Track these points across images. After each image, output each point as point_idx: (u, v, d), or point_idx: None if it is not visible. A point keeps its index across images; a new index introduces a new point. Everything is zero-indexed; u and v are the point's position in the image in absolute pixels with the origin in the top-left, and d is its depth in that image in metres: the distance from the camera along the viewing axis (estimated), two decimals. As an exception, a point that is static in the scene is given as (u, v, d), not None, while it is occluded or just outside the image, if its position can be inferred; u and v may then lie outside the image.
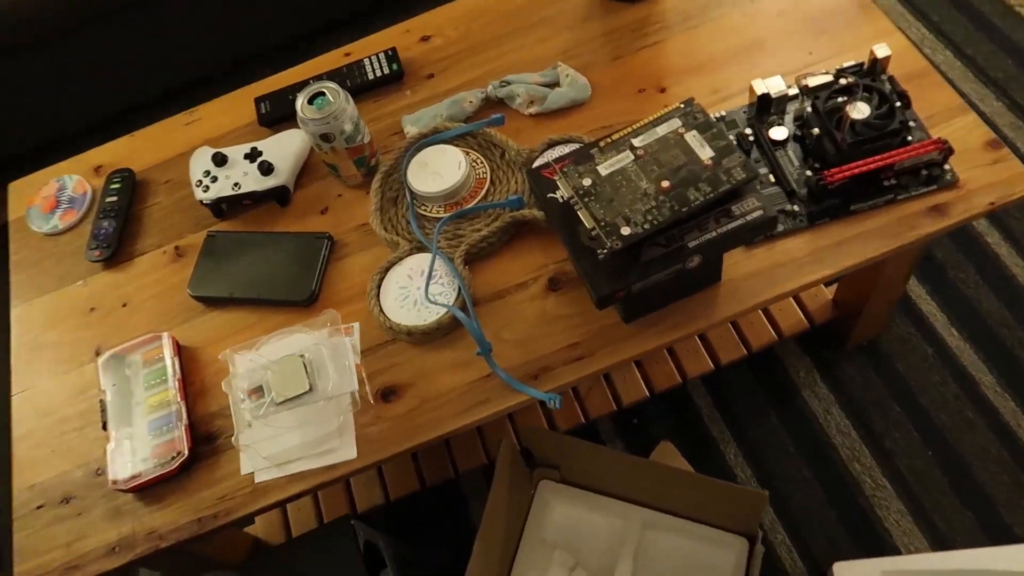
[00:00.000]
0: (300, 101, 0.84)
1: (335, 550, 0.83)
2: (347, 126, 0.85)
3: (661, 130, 0.71)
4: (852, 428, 1.08)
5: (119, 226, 0.94)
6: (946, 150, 0.77)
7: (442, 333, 0.80)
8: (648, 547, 0.97)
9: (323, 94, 0.85)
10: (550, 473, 1.02)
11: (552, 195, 0.73)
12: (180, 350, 0.85)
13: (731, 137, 0.82)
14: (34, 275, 0.96)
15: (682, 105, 0.72)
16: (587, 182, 0.70)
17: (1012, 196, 0.77)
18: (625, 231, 0.67)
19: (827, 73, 0.85)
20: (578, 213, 0.69)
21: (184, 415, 0.79)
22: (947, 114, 0.83)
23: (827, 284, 1.12)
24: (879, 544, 1.01)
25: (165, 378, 0.82)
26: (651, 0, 0.98)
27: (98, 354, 0.87)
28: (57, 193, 1.00)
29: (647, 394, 1.10)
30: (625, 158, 0.70)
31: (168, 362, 0.83)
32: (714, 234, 0.68)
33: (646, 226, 0.67)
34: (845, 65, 0.85)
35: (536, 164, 0.86)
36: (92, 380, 0.85)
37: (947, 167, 0.79)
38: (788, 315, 1.11)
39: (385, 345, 0.82)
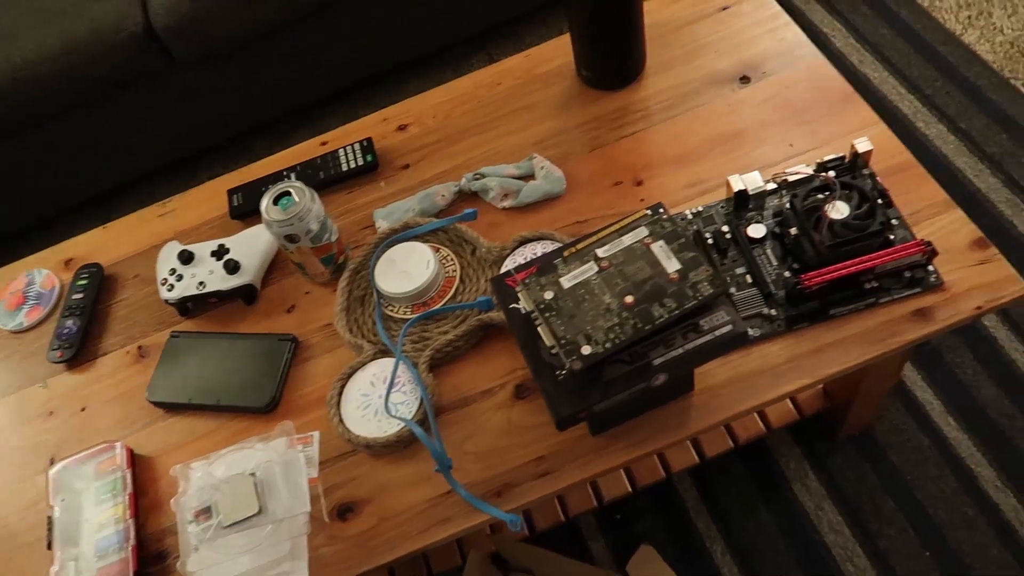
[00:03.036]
0: (265, 202, 0.82)
1: None
2: (313, 225, 0.83)
3: (627, 239, 0.68)
4: (845, 525, 1.03)
5: (83, 325, 0.92)
6: (929, 252, 0.74)
7: (403, 445, 0.77)
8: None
9: (288, 194, 0.83)
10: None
11: (515, 305, 0.70)
12: (134, 460, 0.82)
13: (706, 238, 0.80)
14: (-4, 374, 0.93)
15: (649, 212, 0.70)
16: (548, 295, 0.67)
17: (1000, 300, 0.73)
18: (586, 350, 0.63)
19: (808, 167, 0.82)
20: (538, 329, 0.66)
21: (132, 535, 0.76)
22: (931, 210, 0.80)
23: (818, 372, 1.08)
24: (878, 654, 0.95)
25: (116, 492, 0.78)
26: (632, 88, 0.96)
27: (52, 463, 0.84)
28: (25, 288, 0.98)
29: (629, 490, 1.05)
30: (589, 270, 0.67)
31: (120, 475, 0.79)
32: (681, 351, 0.65)
33: (607, 345, 0.63)
34: (826, 158, 0.82)
35: (502, 269, 0.83)
36: (39, 493, 0.82)
37: (931, 268, 0.76)
38: (777, 406, 1.07)
39: (345, 456, 0.78)
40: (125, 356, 0.91)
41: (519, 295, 0.69)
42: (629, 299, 0.65)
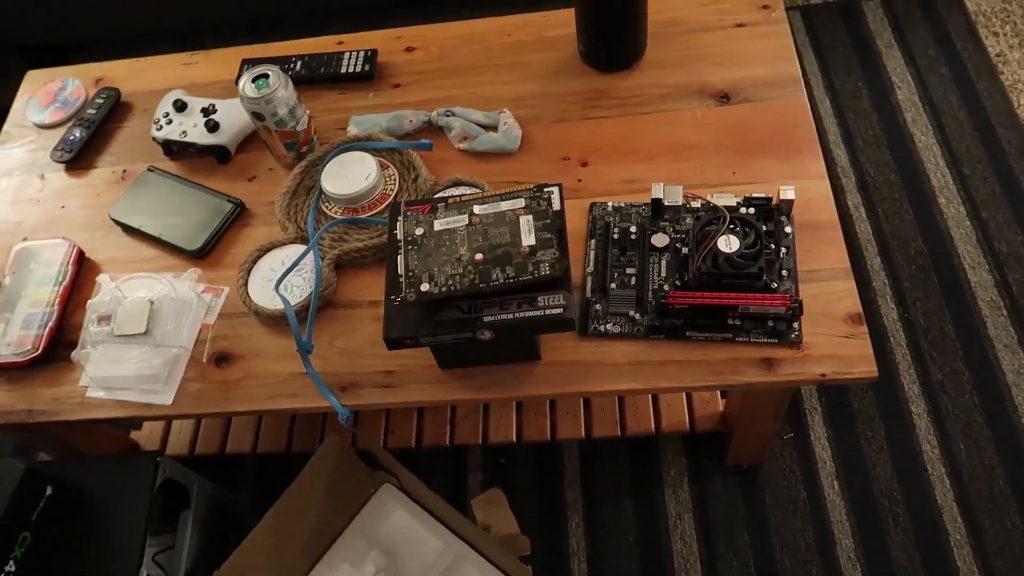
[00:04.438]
0: (243, 79, 0.91)
1: (131, 477, 0.91)
2: (280, 110, 0.92)
3: (505, 205, 0.74)
4: (695, 540, 1.08)
5: (87, 137, 1.05)
6: (794, 309, 0.76)
7: (285, 321, 0.86)
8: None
9: (266, 76, 0.91)
10: (392, 479, 1.07)
11: (395, 231, 0.77)
12: (82, 261, 0.95)
13: (567, 228, 0.85)
14: (4, 156, 1.07)
15: (535, 188, 0.75)
16: (419, 231, 0.74)
17: (846, 375, 0.76)
18: (424, 287, 0.70)
19: (735, 197, 0.85)
20: (397, 257, 0.73)
21: (53, 318, 0.89)
22: (827, 274, 0.81)
23: (722, 395, 1.12)
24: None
25: (57, 281, 0.91)
26: (620, 75, 0.99)
27: (25, 240, 0.98)
28: (56, 92, 1.11)
29: (514, 439, 1.13)
30: (460, 221, 0.74)
31: (63, 268, 0.92)
32: (511, 316, 0.71)
33: (444, 289, 0.70)
34: (754, 195, 0.84)
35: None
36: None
37: (795, 325, 0.78)
38: (674, 411, 1.11)
39: (240, 316, 0.88)
40: (111, 174, 1.03)
41: (397, 223, 0.76)
42: (479, 256, 0.71)
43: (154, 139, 1.01)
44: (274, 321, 0.86)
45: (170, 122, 1.00)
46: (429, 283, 0.70)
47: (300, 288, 0.87)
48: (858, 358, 0.76)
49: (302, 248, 0.90)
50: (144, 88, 1.11)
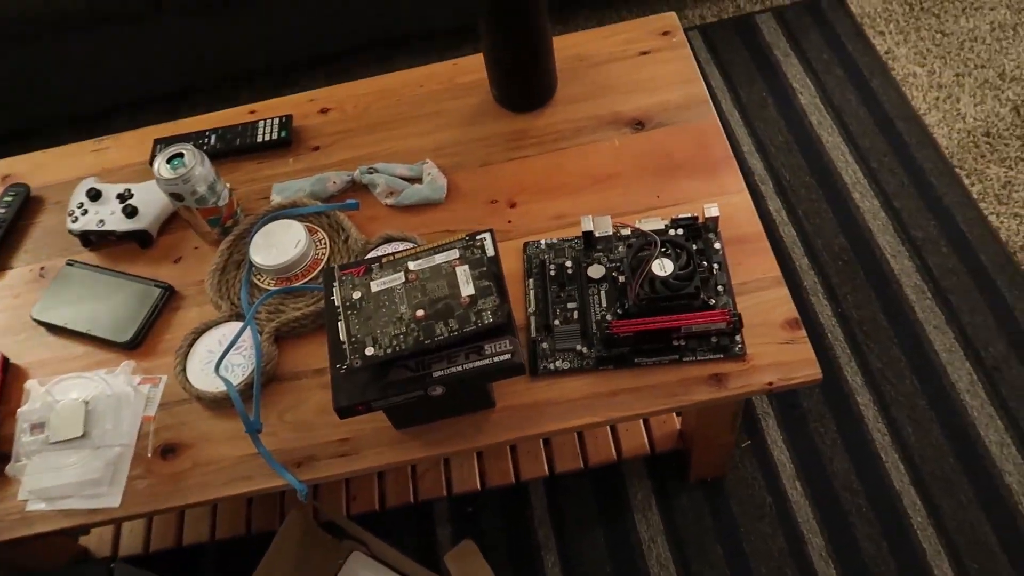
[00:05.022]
0: (158, 160, 0.90)
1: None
2: (200, 188, 0.90)
3: (439, 258, 0.74)
4: (672, 562, 1.08)
5: (-2, 238, 1.01)
6: (735, 323, 0.78)
7: (230, 403, 0.84)
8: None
9: (181, 155, 0.90)
10: (360, 547, 1.05)
11: (332, 296, 0.76)
12: (7, 368, 0.90)
13: (502, 273, 0.85)
14: (-85, 268, 1.03)
15: (467, 237, 0.75)
16: (356, 295, 0.73)
17: (791, 380, 0.78)
18: (368, 351, 0.69)
19: (662, 220, 0.86)
20: (338, 324, 0.72)
21: (-20, 433, 0.84)
22: (761, 284, 0.84)
23: (677, 414, 1.13)
24: None
25: (-20, 393, 0.87)
26: (535, 114, 1.01)
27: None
28: (-40, 194, 1.07)
29: (478, 487, 1.11)
30: (397, 279, 0.73)
31: (-14, 378, 0.88)
32: (459, 368, 0.70)
33: (389, 351, 0.69)
34: (680, 216, 0.86)
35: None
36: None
37: (737, 339, 0.80)
38: (633, 436, 1.12)
39: (182, 403, 0.86)
40: (28, 273, 0.99)
41: (333, 288, 0.75)
42: (420, 313, 0.71)
43: (70, 232, 0.98)
44: (218, 404, 0.84)
45: (85, 212, 0.98)
46: (373, 346, 0.69)
47: (241, 366, 0.85)
48: (801, 363, 0.78)
49: (238, 325, 0.88)
50: (54, 180, 1.08)
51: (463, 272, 0.73)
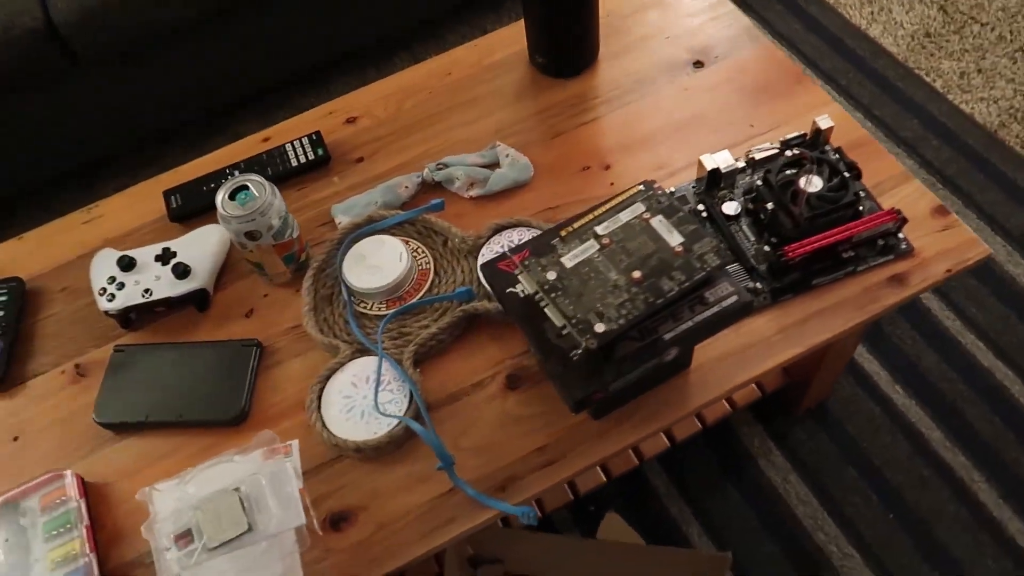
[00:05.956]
0: (221, 196, 0.76)
1: None
2: (274, 221, 0.78)
3: (624, 216, 0.67)
4: (812, 496, 1.06)
5: (6, 345, 0.82)
6: (900, 220, 0.77)
7: (395, 446, 0.72)
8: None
9: (246, 187, 0.77)
10: (494, 570, 0.94)
11: (512, 289, 0.67)
12: (86, 489, 0.73)
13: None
14: (-98, 409, 0.82)
15: (642, 187, 0.69)
16: (551, 276, 0.65)
17: (966, 262, 0.77)
18: (599, 328, 0.61)
19: (772, 145, 0.84)
20: (545, 311, 0.64)
21: (95, 570, 0.67)
22: (892, 182, 0.83)
23: (774, 350, 1.11)
24: (854, 617, 0.98)
25: (70, 525, 0.70)
26: (586, 75, 0.96)
27: (-11, 499, 0.74)
28: (-72, 312, 0.87)
29: (604, 480, 1.04)
30: (590, 247, 0.66)
31: (73, 506, 0.71)
32: (690, 323, 0.64)
33: (621, 321, 0.62)
34: (788, 136, 0.84)
35: (488, 257, 0.80)
36: (-21, 535, 0.72)
37: (902, 236, 0.78)
38: (740, 385, 1.08)
39: (330, 464, 0.73)
40: (60, 376, 0.82)
41: (519, 278, 0.66)
42: (637, 274, 0.64)
43: (107, 313, 0.81)
44: (378, 453, 0.72)
45: (121, 286, 0.81)
46: (602, 321, 0.61)
47: (393, 402, 0.73)
48: (966, 244, 0.78)
49: (365, 362, 0.76)
50: (49, 265, 0.90)
51: (660, 223, 0.66)
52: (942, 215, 0.80)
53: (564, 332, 0.63)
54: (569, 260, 0.65)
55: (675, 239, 0.65)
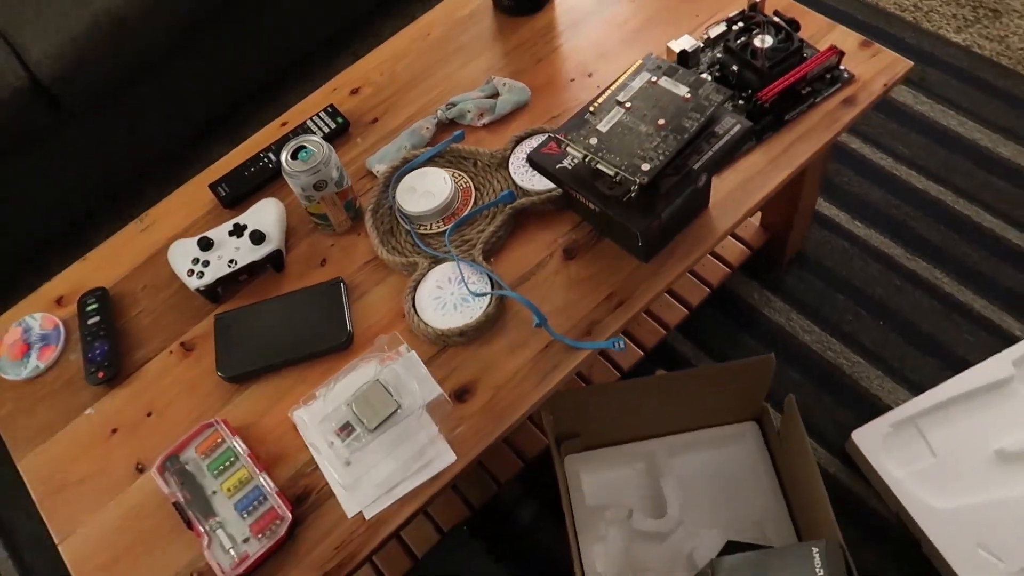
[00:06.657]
0: (285, 156, 0.87)
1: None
2: (334, 172, 0.89)
3: (636, 83, 0.82)
4: (814, 325, 1.23)
5: (112, 345, 0.91)
6: (839, 53, 0.94)
7: (490, 324, 0.85)
8: (678, 470, 1.08)
9: (304, 148, 0.88)
10: (572, 445, 1.08)
11: (561, 165, 0.81)
12: (233, 432, 0.83)
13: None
14: (29, 423, 0.89)
15: (642, 60, 0.84)
16: (594, 141, 0.79)
17: (896, 75, 0.95)
18: (645, 167, 0.76)
19: (720, 23, 1.00)
20: (598, 167, 0.78)
21: (271, 483, 0.78)
22: (821, 32, 1.00)
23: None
24: (874, 407, 1.15)
25: (233, 460, 0.80)
26: (547, 9, 1.10)
27: (141, 469, 0.83)
28: (23, 336, 0.94)
29: (641, 354, 1.19)
30: (617, 113, 0.80)
31: (231, 443, 0.81)
32: (712, 152, 0.79)
33: (661, 158, 0.76)
34: (731, 14, 1.01)
35: (517, 164, 0.94)
36: (144, 497, 0.81)
37: (842, 68, 0.96)
38: (730, 249, 1.25)
39: (437, 355, 0.85)
40: (169, 356, 0.91)
41: (567, 149, 0.80)
42: (661, 122, 0.78)
43: (198, 291, 0.91)
44: (479, 332, 0.84)
45: (207, 264, 0.91)
46: (647, 161, 0.76)
47: (479, 285, 0.86)
48: (893, 62, 0.96)
49: (441, 269, 0.88)
50: (119, 275, 0.98)
51: (667, 82, 0.81)
52: (867, 46, 0.98)
53: (617, 179, 0.77)
54: (603, 126, 0.80)
55: (682, 90, 0.80)
